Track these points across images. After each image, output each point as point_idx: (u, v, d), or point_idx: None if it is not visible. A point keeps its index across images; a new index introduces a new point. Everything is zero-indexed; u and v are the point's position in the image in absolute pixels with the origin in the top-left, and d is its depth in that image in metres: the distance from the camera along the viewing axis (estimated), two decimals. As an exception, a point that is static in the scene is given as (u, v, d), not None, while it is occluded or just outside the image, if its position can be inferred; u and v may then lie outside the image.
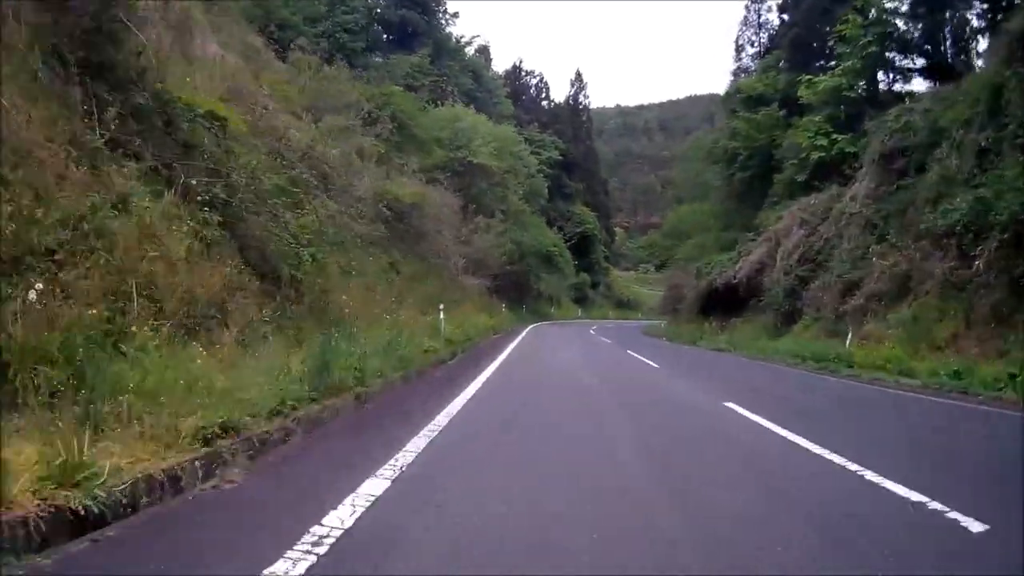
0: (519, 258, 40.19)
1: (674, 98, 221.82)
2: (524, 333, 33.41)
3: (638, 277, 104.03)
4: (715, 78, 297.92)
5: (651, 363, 19.21)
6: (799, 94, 29.27)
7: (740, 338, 26.96)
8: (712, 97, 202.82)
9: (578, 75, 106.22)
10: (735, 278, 31.02)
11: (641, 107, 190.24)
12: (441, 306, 19.52)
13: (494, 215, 38.56)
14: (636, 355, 22.07)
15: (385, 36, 45.66)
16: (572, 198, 75.84)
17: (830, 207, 25.33)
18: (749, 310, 30.30)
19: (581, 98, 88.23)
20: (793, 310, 25.09)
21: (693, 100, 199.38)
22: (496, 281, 37.90)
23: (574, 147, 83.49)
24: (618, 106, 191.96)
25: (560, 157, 69.54)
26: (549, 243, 46.13)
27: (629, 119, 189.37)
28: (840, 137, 26.34)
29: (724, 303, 32.41)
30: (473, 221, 34.80)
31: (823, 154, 26.80)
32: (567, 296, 65.29)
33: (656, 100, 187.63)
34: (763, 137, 34.73)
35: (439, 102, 39.93)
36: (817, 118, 28.03)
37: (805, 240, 25.98)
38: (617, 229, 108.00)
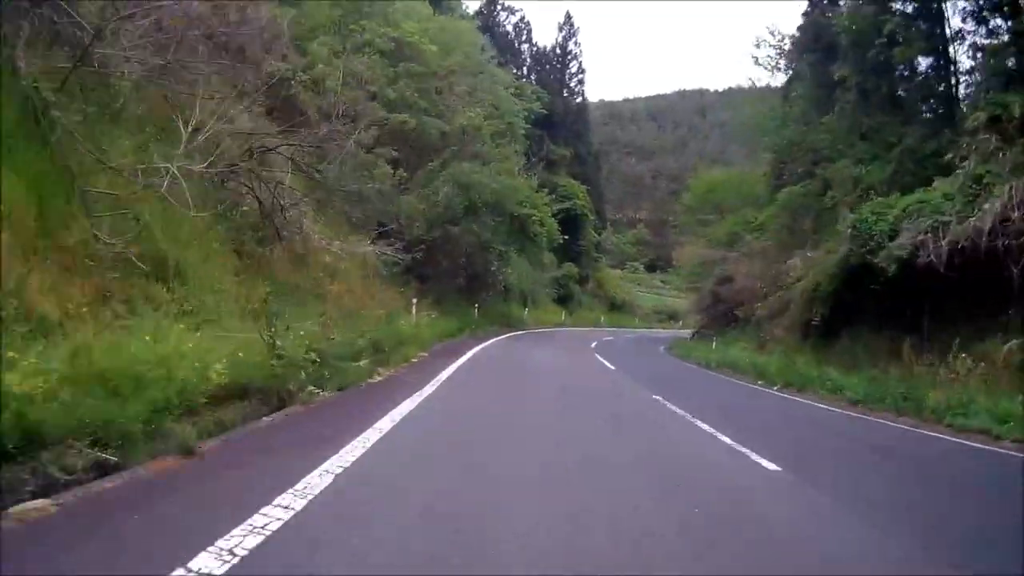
0: (464, 214, 21.00)
1: (662, 92, 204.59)
2: (457, 365, 14.17)
3: (624, 276, 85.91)
4: (705, 74, 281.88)
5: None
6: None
7: None
8: (703, 92, 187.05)
9: (568, 18, 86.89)
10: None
11: (627, 100, 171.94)
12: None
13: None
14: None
15: None
16: (556, 167, 56.78)
17: None
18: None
19: (571, 46, 69.19)
20: None
21: (682, 95, 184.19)
22: (416, 256, 18.78)
23: (560, 104, 64.60)
24: (602, 100, 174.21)
25: (543, 111, 50.41)
26: (521, 195, 27.17)
27: (615, 109, 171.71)
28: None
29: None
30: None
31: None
32: (545, 293, 46.18)
33: (642, 94, 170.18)
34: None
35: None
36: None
37: None
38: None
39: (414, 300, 15.27)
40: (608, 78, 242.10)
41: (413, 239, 19.26)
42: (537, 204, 28.97)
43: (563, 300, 49.22)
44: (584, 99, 72.12)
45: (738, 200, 41.00)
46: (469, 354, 15.22)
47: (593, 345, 28.11)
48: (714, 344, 26.96)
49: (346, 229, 17.16)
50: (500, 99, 27.59)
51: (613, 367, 17.02)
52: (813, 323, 19.48)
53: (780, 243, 26.75)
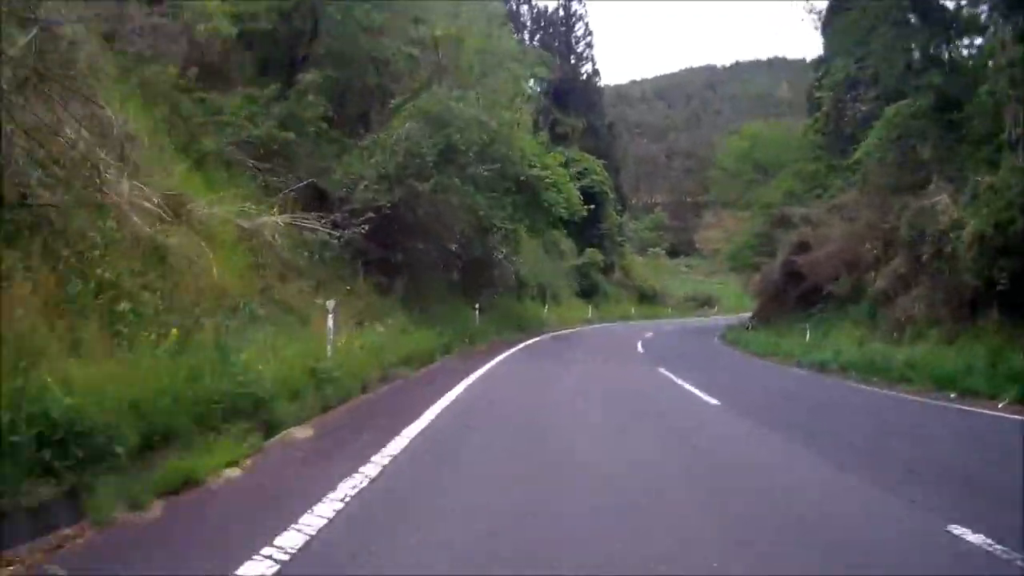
0: (439, 162, 13.57)
1: (668, 71, 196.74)
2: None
3: (647, 263, 78.43)
4: (710, 49, 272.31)
5: None
6: None
7: None
8: (710, 68, 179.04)
9: (571, -28, 78.41)
10: None
11: (633, 82, 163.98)
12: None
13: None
14: None
15: None
16: (567, 140, 49.62)
17: None
18: None
19: (575, 5, 61.78)
20: None
21: (690, 71, 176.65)
22: (360, 231, 11.75)
23: (568, 70, 57.46)
24: (607, 85, 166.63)
25: (549, 78, 43.42)
26: (529, 151, 19.88)
27: (622, 91, 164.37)
28: None
29: None
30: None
31: None
32: (567, 285, 38.91)
33: (648, 75, 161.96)
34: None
35: None
36: None
37: None
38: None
39: (329, 305, 8.12)
40: (612, 62, 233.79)
41: (359, 207, 12.17)
42: (549, 165, 21.84)
43: (587, 293, 41.84)
44: (594, 65, 64.83)
45: (789, 157, 33.63)
46: (423, 420, 7.08)
47: (641, 350, 20.97)
48: (807, 335, 19.64)
49: (250, 192, 10.25)
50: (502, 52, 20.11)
51: (715, 399, 9.69)
52: (997, 287, 12.23)
53: (883, 187, 19.43)
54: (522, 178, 19.79)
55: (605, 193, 45.78)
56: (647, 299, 53.20)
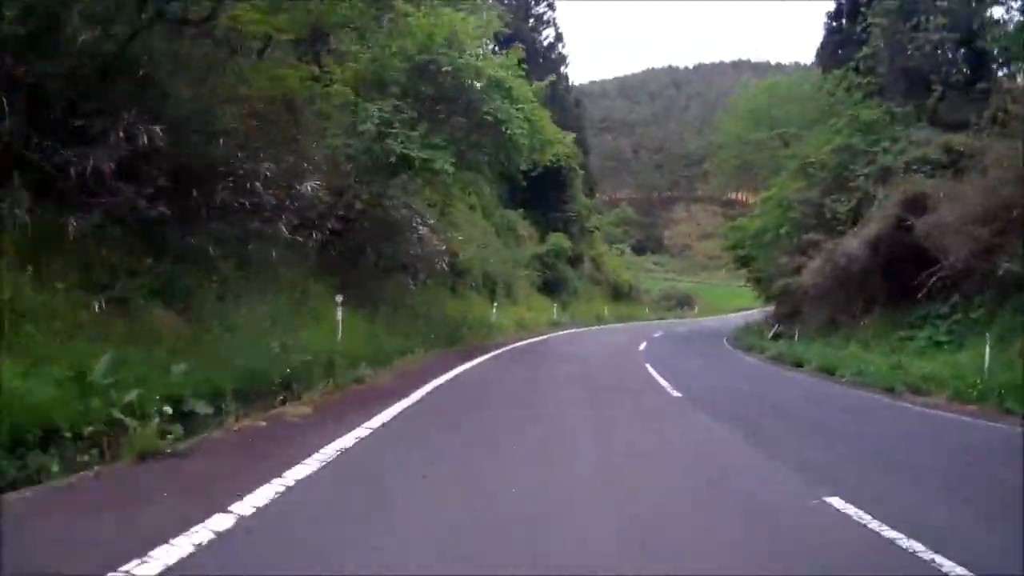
0: None
1: (630, 72, 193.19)
2: None
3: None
4: (672, 51, 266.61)
5: None
6: None
7: None
8: (672, 69, 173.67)
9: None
10: None
11: (593, 82, 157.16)
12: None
13: None
14: None
15: None
16: (526, 108, 40.32)
17: None
18: None
19: (534, -49, 52.65)
20: None
21: (653, 72, 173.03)
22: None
23: (527, 34, 48.27)
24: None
25: (506, 30, 34.27)
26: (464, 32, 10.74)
27: (582, 91, 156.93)
28: None
29: None
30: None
31: None
32: (525, 278, 29.21)
33: (609, 76, 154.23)
34: None
35: None
36: None
37: None
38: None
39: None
40: (572, 62, 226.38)
41: None
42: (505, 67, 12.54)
43: (552, 288, 32.40)
44: (557, 29, 56.03)
45: (818, 110, 25.08)
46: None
47: (673, 391, 11.23)
48: (927, 342, 10.68)
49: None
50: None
51: None
52: None
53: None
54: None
55: (574, 170, 36.60)
56: (622, 296, 44.18)
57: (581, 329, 27.89)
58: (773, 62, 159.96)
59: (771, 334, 23.33)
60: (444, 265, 16.39)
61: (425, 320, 13.87)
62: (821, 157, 20.49)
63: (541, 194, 33.91)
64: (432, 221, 15.65)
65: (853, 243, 15.35)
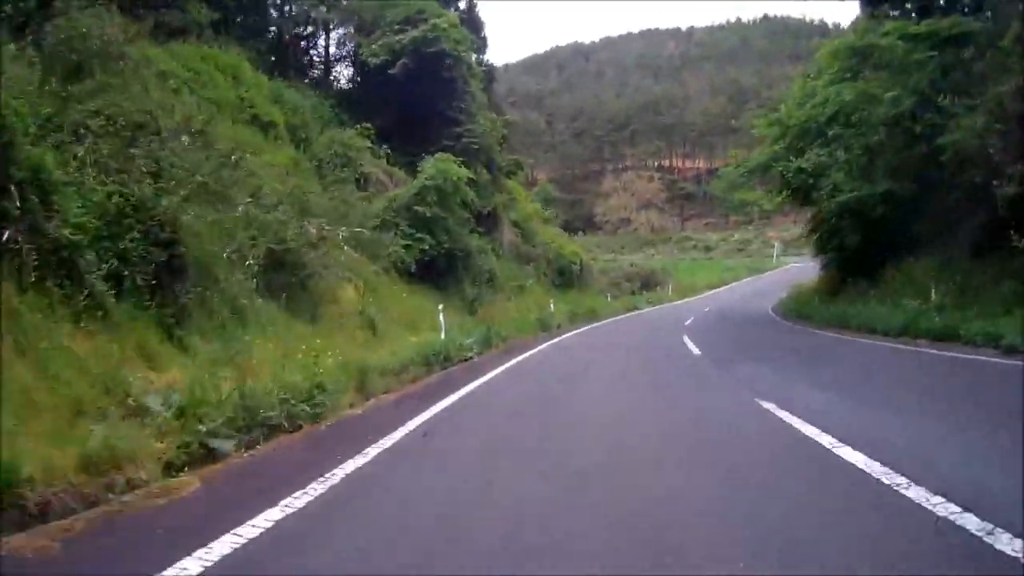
0: None
1: (533, 52, 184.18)
2: None
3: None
4: (575, 29, 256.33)
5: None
6: None
7: None
8: (577, 45, 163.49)
9: None
10: None
11: (507, 66, 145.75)
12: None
13: None
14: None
15: None
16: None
17: None
18: None
19: None
20: None
21: (558, 49, 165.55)
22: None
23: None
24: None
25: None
26: None
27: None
28: None
29: None
30: None
31: None
32: (370, 255, 14.45)
33: (512, 60, 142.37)
34: None
35: None
36: None
37: None
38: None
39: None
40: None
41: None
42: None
43: (435, 272, 17.69)
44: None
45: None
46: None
47: None
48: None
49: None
50: None
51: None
52: None
53: None
54: None
55: (467, 64, 22.40)
56: (567, 282, 30.42)
57: (512, 359, 13.97)
58: (684, 28, 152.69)
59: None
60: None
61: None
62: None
63: (409, 111, 20.06)
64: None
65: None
